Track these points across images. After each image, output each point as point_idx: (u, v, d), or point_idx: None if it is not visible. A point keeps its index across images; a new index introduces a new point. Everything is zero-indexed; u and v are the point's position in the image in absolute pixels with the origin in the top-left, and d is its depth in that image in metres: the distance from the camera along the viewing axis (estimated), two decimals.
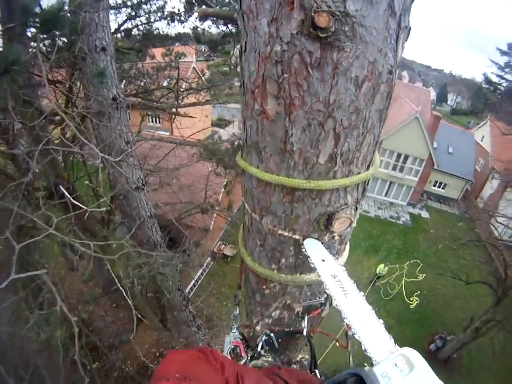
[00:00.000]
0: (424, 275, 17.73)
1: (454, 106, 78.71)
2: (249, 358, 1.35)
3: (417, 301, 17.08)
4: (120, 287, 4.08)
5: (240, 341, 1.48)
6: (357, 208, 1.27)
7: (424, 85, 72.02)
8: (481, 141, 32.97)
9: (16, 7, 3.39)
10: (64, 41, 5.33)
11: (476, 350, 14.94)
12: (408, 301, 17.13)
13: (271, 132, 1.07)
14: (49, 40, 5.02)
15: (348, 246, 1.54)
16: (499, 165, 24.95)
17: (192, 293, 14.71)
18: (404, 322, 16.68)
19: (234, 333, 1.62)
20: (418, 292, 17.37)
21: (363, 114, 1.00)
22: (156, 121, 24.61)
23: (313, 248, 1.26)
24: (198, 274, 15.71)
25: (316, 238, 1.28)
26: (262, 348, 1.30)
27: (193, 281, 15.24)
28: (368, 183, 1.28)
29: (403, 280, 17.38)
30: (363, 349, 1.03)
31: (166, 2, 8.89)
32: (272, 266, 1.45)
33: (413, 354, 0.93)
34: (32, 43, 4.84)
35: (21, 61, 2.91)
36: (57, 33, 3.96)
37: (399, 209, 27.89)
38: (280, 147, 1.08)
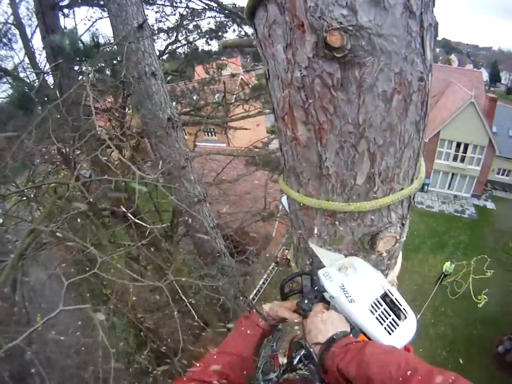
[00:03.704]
0: (492, 271, 16.58)
1: (509, 84, 72.89)
2: (281, 371, 1.33)
3: (485, 299, 15.97)
4: (183, 297, 4.25)
5: (276, 354, 1.47)
6: (403, 224, 1.21)
7: (474, 66, 67.90)
8: None
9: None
10: (111, 70, 5.71)
11: None
12: (476, 299, 16.12)
13: (305, 157, 1.05)
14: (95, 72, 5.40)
15: (399, 259, 1.48)
16: None
17: (256, 299, 14.77)
18: (471, 322, 15.71)
19: (272, 346, 1.60)
20: (487, 289, 16.21)
21: (398, 129, 0.94)
22: (211, 135, 25.21)
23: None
24: (262, 280, 15.77)
25: (362, 257, 1.25)
26: (300, 362, 1.28)
27: (257, 287, 15.32)
28: (414, 197, 1.21)
29: (470, 278, 16.38)
30: (316, 261, 1.30)
31: (198, 22, 9.26)
32: None
33: (357, 261, 1.22)
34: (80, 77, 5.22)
35: None
36: (102, 64, 4.26)
37: (463, 202, 26.42)
38: (316, 172, 1.06)
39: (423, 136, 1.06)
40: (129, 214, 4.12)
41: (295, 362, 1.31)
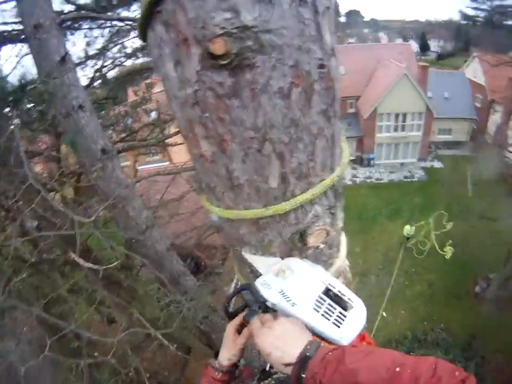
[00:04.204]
0: (451, 223, 17.39)
1: (439, 51, 77.02)
2: (255, 381, 1.25)
3: (451, 250, 16.68)
4: (153, 331, 4.17)
5: (246, 367, 1.42)
6: (332, 213, 1.19)
7: (404, 40, 71.11)
8: (474, 77, 32.01)
9: None
10: (40, 110, 5.50)
11: None
12: (442, 252, 16.82)
13: (215, 172, 1.03)
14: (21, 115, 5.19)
15: (343, 243, 1.45)
16: (497, 96, 24.56)
17: (231, 308, 14.63)
18: (444, 274, 16.59)
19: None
20: (451, 241, 16.88)
21: (303, 123, 0.91)
22: (153, 155, 24.76)
23: None
24: (232, 287, 15.59)
25: (298, 256, 1.22)
26: (272, 367, 1.24)
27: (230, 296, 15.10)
28: (339, 184, 1.19)
29: (432, 234, 17.05)
30: (255, 269, 1.25)
31: (123, 43, 9.04)
32: None
33: (293, 262, 1.17)
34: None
35: None
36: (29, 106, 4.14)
37: (411, 167, 27.66)
38: (228, 184, 1.03)
39: (336, 123, 1.04)
40: (78, 259, 4.01)
41: (267, 367, 1.25)
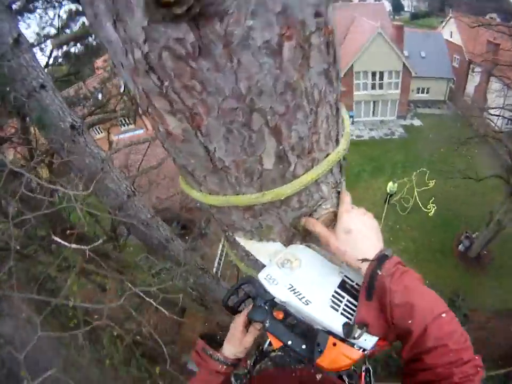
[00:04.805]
0: (434, 181, 17.58)
1: (413, 11, 75.83)
2: (252, 363, 1.16)
3: (434, 207, 17.07)
4: (145, 298, 4.36)
5: None
6: (339, 192, 1.01)
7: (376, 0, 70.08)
8: (451, 37, 32.07)
9: None
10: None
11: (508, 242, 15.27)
12: (425, 209, 17.17)
13: (191, 153, 0.79)
14: None
15: None
16: (475, 57, 24.51)
17: (221, 267, 14.93)
18: (428, 231, 16.94)
19: None
20: (433, 198, 17.28)
21: (301, 87, 0.67)
22: (127, 125, 24.15)
23: None
24: (220, 247, 15.35)
25: (300, 241, 1.04)
26: (271, 344, 1.07)
27: (218, 256, 15.26)
28: (345, 157, 0.99)
29: (415, 191, 17.28)
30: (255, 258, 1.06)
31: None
32: None
33: (300, 250, 1.00)
34: None
35: None
36: None
37: (391, 125, 27.80)
38: (210, 166, 0.80)
39: (339, 86, 0.81)
40: (60, 241, 3.95)
41: (265, 346, 1.16)
